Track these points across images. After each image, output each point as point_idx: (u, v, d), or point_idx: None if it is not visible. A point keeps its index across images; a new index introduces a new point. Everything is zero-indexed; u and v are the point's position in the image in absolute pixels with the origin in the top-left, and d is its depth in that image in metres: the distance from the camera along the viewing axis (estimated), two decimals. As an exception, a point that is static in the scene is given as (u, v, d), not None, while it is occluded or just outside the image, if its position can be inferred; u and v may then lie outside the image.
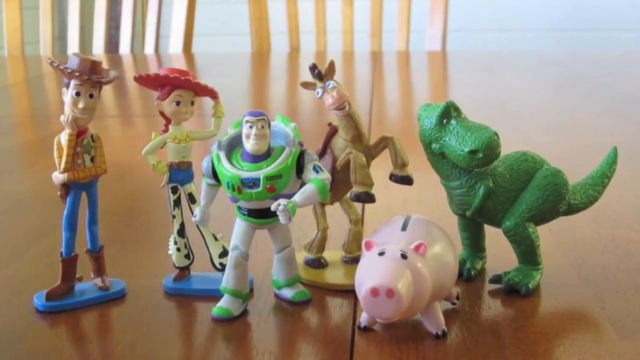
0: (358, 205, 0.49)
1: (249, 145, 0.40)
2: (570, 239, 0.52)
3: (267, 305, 0.43)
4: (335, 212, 0.51)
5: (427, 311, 0.38)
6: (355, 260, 0.47)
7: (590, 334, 0.39)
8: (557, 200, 0.44)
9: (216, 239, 0.46)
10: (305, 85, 0.46)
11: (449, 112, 0.43)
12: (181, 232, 0.46)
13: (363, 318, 0.39)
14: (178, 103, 0.44)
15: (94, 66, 0.41)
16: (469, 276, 0.45)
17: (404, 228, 0.40)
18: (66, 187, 0.42)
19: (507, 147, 0.45)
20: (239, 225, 0.42)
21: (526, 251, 0.44)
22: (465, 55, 1.69)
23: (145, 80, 0.44)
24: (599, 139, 0.85)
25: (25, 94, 1.33)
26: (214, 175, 0.42)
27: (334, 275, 0.47)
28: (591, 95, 1.15)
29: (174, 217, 0.46)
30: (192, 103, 0.44)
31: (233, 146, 0.42)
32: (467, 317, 0.41)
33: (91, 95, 0.41)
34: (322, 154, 0.45)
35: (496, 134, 0.42)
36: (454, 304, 0.42)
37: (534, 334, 0.39)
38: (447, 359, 0.36)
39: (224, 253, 0.45)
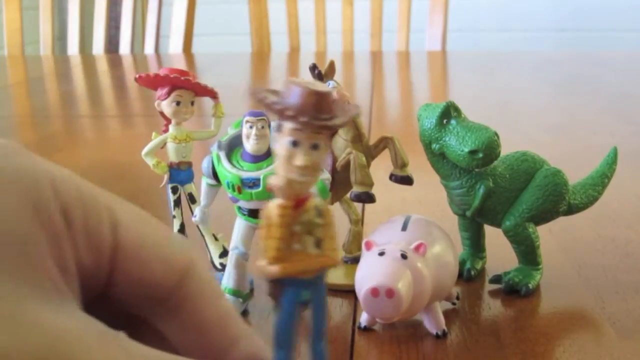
0: (358, 205, 0.49)
1: (249, 145, 0.40)
2: (570, 239, 0.52)
3: (267, 305, 0.43)
4: (335, 212, 0.51)
5: (427, 311, 0.38)
6: (355, 260, 0.47)
7: (590, 334, 0.39)
8: (557, 200, 0.44)
9: (216, 239, 0.46)
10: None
11: (449, 112, 0.43)
12: (181, 232, 0.46)
13: (363, 318, 0.39)
14: (178, 103, 0.44)
15: (320, 102, 0.24)
16: (469, 276, 0.45)
17: (404, 228, 0.40)
18: (279, 284, 0.27)
19: (507, 147, 0.45)
20: (239, 225, 0.43)
21: (526, 251, 0.44)
22: (465, 55, 1.69)
23: (146, 81, 0.44)
24: (599, 139, 0.85)
25: (25, 94, 1.33)
26: (214, 175, 0.42)
27: (334, 275, 0.47)
28: (591, 95, 1.15)
29: (174, 217, 0.46)
30: (192, 103, 0.44)
31: (233, 146, 0.42)
32: (467, 317, 0.41)
33: (315, 146, 0.24)
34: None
35: (496, 134, 0.42)
36: (454, 304, 0.42)
37: (534, 334, 0.39)
38: (447, 359, 0.36)
39: (224, 253, 0.45)
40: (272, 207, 0.25)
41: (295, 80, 0.23)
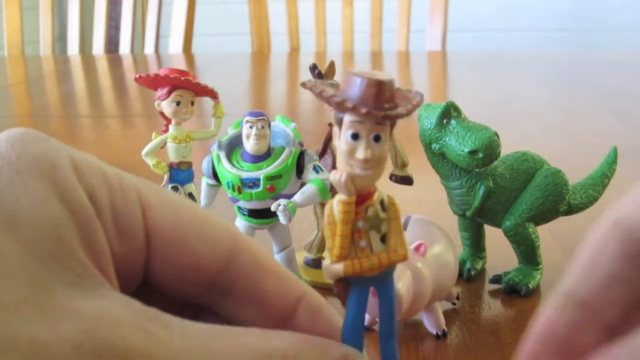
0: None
1: (249, 145, 0.40)
2: (570, 239, 0.52)
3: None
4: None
5: (427, 311, 0.38)
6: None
7: None
8: (557, 200, 0.44)
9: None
10: (305, 85, 0.46)
11: (449, 112, 0.43)
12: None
13: (363, 318, 0.39)
14: (178, 103, 0.44)
15: (381, 91, 0.22)
16: (469, 276, 0.45)
17: (404, 228, 0.40)
18: (345, 283, 0.25)
19: (507, 147, 0.45)
20: (239, 225, 0.43)
21: (526, 251, 0.44)
22: (465, 55, 1.69)
23: (146, 81, 0.44)
24: (599, 139, 0.85)
25: (25, 94, 1.33)
26: (214, 175, 0.42)
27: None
28: (591, 95, 1.15)
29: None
30: (192, 103, 0.44)
31: (233, 146, 0.42)
32: (467, 317, 0.41)
33: (377, 138, 0.22)
34: (322, 154, 0.45)
35: (496, 134, 0.42)
36: (454, 304, 0.42)
37: (534, 334, 0.39)
38: (447, 359, 0.36)
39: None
40: (335, 204, 0.23)
41: (353, 71, 0.22)
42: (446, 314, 0.40)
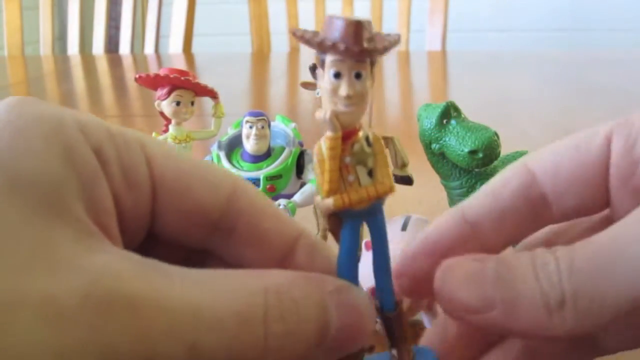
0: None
1: (249, 145, 0.40)
2: (570, 239, 0.52)
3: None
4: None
5: (427, 311, 0.38)
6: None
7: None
8: (557, 200, 0.44)
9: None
10: (305, 85, 0.46)
11: (449, 112, 0.43)
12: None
13: (363, 318, 0.39)
14: (178, 103, 0.44)
15: (359, 30, 0.23)
16: (469, 276, 0.45)
17: (404, 228, 0.40)
18: (337, 218, 0.26)
19: (507, 147, 0.45)
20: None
21: (526, 251, 0.44)
22: (465, 55, 1.69)
23: (146, 81, 0.44)
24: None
25: (25, 94, 1.33)
26: (214, 175, 0.42)
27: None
28: (591, 95, 1.15)
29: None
30: (192, 103, 0.44)
31: (233, 146, 0.42)
32: (467, 317, 0.41)
33: (358, 75, 0.24)
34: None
35: (496, 134, 0.42)
36: (454, 304, 0.42)
37: (534, 333, 0.39)
38: (447, 359, 0.36)
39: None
40: (322, 142, 0.24)
41: (333, 15, 0.23)
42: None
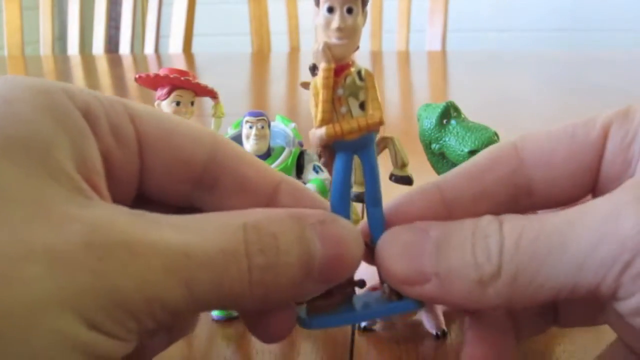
0: (358, 206, 0.49)
1: (249, 145, 0.40)
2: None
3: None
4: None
5: (427, 311, 0.38)
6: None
7: (590, 333, 0.39)
8: (557, 200, 0.44)
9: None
10: (305, 85, 0.46)
11: (449, 112, 0.43)
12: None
13: (363, 318, 0.39)
14: (178, 103, 0.44)
15: None
16: (468, 276, 0.45)
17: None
18: (330, 150, 0.28)
19: (507, 147, 0.45)
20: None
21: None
22: (465, 55, 1.69)
23: (145, 81, 0.44)
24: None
25: (25, 94, 1.33)
26: (214, 175, 0.42)
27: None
28: (591, 95, 1.15)
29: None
30: (192, 103, 0.44)
31: (233, 146, 0.42)
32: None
33: (349, 10, 0.26)
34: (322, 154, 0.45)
35: (496, 134, 0.42)
36: (453, 304, 0.42)
37: (534, 333, 0.39)
38: (447, 359, 0.36)
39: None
40: (318, 75, 0.26)
41: None
42: (446, 314, 0.40)
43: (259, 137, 0.40)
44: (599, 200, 0.23)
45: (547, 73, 1.42)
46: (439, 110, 0.43)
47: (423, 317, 0.39)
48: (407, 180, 0.45)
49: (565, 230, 0.23)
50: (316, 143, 0.26)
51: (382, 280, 0.28)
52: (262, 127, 0.40)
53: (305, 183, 0.41)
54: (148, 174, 0.26)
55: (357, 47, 0.26)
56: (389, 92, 1.32)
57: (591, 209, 0.23)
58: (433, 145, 0.43)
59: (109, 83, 1.43)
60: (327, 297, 0.26)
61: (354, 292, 0.28)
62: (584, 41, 2.48)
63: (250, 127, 0.40)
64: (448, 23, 1.68)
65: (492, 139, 0.41)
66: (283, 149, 0.41)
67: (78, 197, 0.22)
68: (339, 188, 0.26)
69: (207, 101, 0.46)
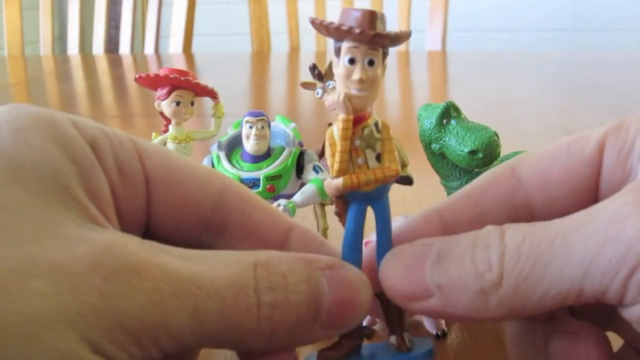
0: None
1: (249, 145, 0.40)
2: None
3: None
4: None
5: (427, 311, 0.38)
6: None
7: (590, 334, 0.39)
8: (557, 200, 0.44)
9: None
10: (305, 85, 0.46)
11: (449, 112, 0.43)
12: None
13: (363, 318, 0.39)
14: (178, 103, 0.44)
15: (373, 18, 0.26)
16: (469, 276, 0.45)
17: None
18: (344, 201, 0.27)
19: (507, 147, 0.45)
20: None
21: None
22: (465, 55, 1.69)
23: (145, 81, 0.44)
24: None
25: (25, 94, 1.33)
26: (214, 175, 0.42)
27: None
28: (591, 95, 1.15)
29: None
30: (192, 103, 0.44)
31: (233, 146, 0.42)
32: (467, 317, 0.41)
33: (371, 62, 0.26)
34: (322, 154, 0.45)
35: (496, 134, 0.42)
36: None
37: (534, 334, 0.39)
38: (447, 359, 0.36)
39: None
40: (334, 126, 0.26)
41: (349, 7, 0.26)
42: (446, 314, 0.40)
43: (259, 137, 0.40)
44: (603, 204, 0.23)
45: (547, 73, 1.41)
46: (439, 110, 0.43)
47: (423, 317, 0.39)
48: (407, 181, 0.45)
49: (569, 235, 0.22)
50: (332, 193, 0.26)
51: (391, 331, 0.28)
52: (262, 127, 0.40)
53: (305, 183, 0.41)
54: (155, 212, 0.26)
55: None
56: (389, 92, 1.32)
57: (595, 213, 0.23)
58: (433, 145, 0.43)
59: (109, 83, 1.43)
60: (337, 347, 0.26)
61: (362, 343, 0.28)
62: (585, 41, 2.48)
63: (250, 127, 0.40)
64: (448, 23, 1.68)
65: (492, 139, 0.41)
66: (283, 149, 0.41)
67: (90, 221, 0.22)
68: (350, 237, 0.26)
69: (207, 101, 0.46)
